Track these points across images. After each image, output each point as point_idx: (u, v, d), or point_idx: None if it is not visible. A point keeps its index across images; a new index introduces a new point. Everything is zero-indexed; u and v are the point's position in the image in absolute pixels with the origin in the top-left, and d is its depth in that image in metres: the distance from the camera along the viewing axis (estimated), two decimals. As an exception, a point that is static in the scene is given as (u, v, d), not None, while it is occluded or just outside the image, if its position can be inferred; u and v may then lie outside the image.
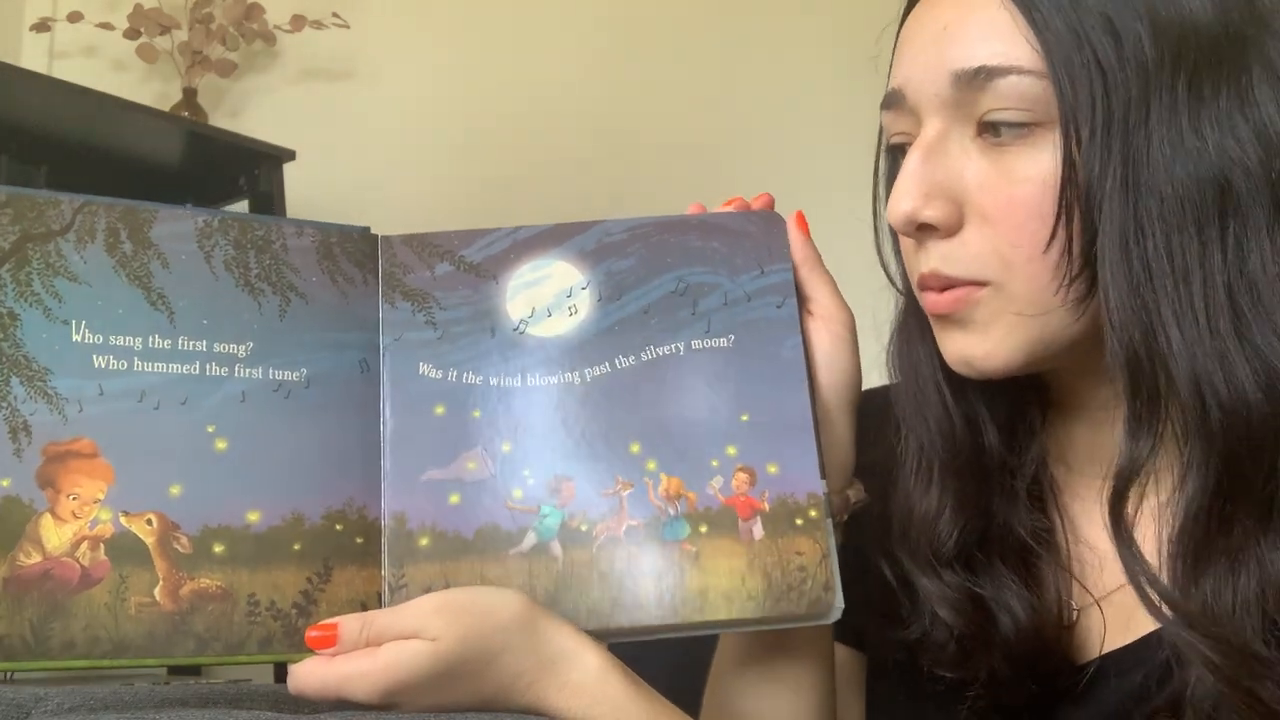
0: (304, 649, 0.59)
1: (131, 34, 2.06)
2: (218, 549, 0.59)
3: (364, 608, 0.61)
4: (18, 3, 2.16)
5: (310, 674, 0.58)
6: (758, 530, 0.66)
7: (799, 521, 0.66)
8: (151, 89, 2.17)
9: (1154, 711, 0.62)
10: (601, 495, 0.66)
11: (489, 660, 0.58)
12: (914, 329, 0.74)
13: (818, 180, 2.18)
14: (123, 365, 0.61)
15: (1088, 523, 0.72)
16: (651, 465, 0.67)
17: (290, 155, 1.93)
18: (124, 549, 0.58)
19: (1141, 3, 0.61)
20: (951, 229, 0.65)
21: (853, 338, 0.73)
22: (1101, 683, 0.68)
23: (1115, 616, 0.69)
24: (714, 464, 0.67)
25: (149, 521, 0.58)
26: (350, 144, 2.20)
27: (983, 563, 0.71)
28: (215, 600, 0.58)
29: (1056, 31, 0.61)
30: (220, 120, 2.14)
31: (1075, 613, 0.70)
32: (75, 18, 2.03)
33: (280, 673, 0.59)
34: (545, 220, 0.72)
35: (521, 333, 0.69)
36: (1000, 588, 0.70)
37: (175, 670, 1.87)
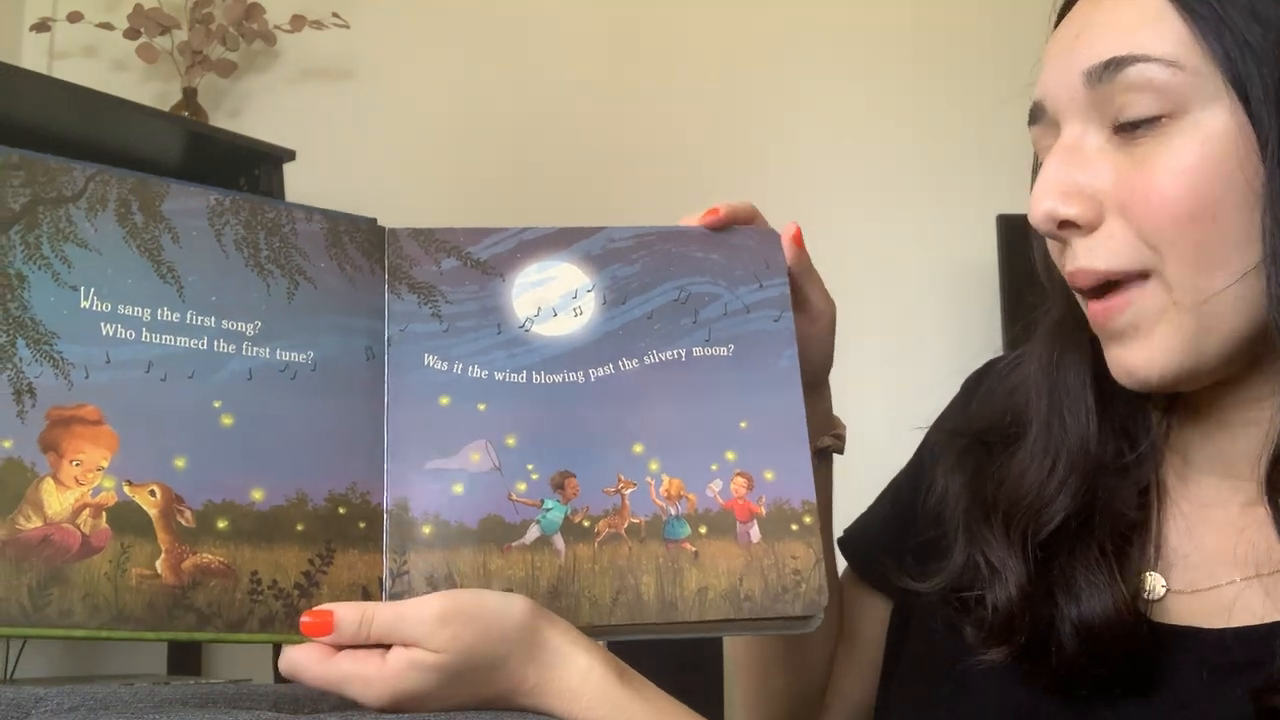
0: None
1: (131, 34, 2.04)
2: (221, 524, 0.58)
3: (365, 592, 0.60)
4: (18, 3, 2.14)
5: (311, 665, 0.57)
6: (755, 534, 0.67)
7: (794, 527, 0.67)
8: (151, 89, 2.15)
9: (1260, 691, 0.62)
10: (604, 492, 0.66)
11: (492, 667, 0.59)
12: (1069, 333, 0.74)
13: (818, 182, 2.21)
14: (130, 335, 0.60)
15: (1200, 521, 0.71)
16: (654, 466, 0.67)
17: (290, 155, 1.91)
18: (126, 519, 0.56)
19: None
20: (1092, 224, 0.66)
21: (834, 327, 0.81)
22: (1183, 672, 0.67)
23: (1208, 611, 0.68)
24: (713, 468, 0.68)
25: (152, 492, 0.57)
26: (350, 144, 2.19)
27: (1069, 547, 0.70)
28: (218, 576, 0.57)
29: (1203, 14, 0.62)
30: (220, 120, 2.12)
31: (1149, 605, 0.70)
32: (75, 18, 2.00)
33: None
34: (545, 221, 0.73)
35: (527, 330, 0.69)
36: (1078, 573, 0.69)
37: (175, 670, 1.83)
